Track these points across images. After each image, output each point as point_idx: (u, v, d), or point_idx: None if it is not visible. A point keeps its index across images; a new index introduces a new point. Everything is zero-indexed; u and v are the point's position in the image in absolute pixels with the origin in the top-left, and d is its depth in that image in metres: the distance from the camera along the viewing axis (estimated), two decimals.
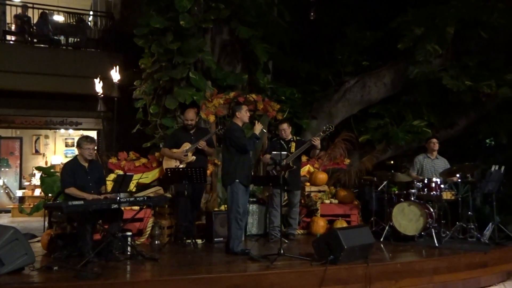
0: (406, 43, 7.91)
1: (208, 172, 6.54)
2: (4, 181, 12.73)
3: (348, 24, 9.24)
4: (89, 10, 12.84)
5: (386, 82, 8.70)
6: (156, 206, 5.94)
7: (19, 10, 10.95)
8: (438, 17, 7.82)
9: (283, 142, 6.04)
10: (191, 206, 5.99)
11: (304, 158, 6.85)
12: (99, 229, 5.27)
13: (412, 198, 6.01)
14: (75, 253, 4.87)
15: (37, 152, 13.60)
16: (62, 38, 11.38)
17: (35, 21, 11.07)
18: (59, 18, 11.91)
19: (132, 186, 5.72)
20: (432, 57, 7.83)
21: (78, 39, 11.20)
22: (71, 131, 13.41)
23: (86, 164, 5.05)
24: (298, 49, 9.60)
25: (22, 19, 10.81)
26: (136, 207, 5.43)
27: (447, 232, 5.96)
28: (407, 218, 5.90)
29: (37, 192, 11.51)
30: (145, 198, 5.22)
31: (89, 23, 12.27)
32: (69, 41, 11.27)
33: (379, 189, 6.51)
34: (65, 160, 10.99)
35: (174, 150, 6.16)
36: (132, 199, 5.03)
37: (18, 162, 13.13)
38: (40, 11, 11.05)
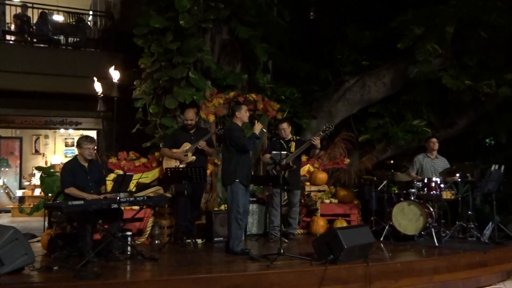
0: (406, 43, 7.91)
1: (208, 172, 6.55)
2: (4, 181, 12.73)
3: (347, 23, 9.23)
4: (89, 10, 12.82)
5: (386, 81, 8.70)
6: (156, 206, 5.95)
7: (19, 10, 10.93)
8: (438, 17, 7.82)
9: (283, 142, 6.04)
10: (191, 206, 5.99)
11: (304, 158, 6.85)
12: (99, 229, 5.27)
13: (412, 198, 6.01)
14: (75, 253, 4.87)
15: (37, 152, 13.60)
16: (61, 38, 11.36)
17: (34, 21, 11.05)
18: (58, 18, 11.89)
19: (132, 186, 5.71)
20: (432, 56, 7.83)
21: (78, 39, 11.18)
22: (71, 131, 13.41)
23: (86, 164, 5.05)
24: (297, 48, 9.60)
25: (21, 19, 10.80)
26: (136, 207, 5.44)
27: (447, 232, 5.97)
28: (407, 218, 5.90)
29: (37, 192, 11.53)
30: (145, 198, 5.22)
31: (88, 23, 12.26)
32: (69, 41, 11.25)
33: (379, 188, 6.51)
34: (65, 160, 10.99)
35: (174, 150, 6.16)
36: (132, 199, 5.03)
37: (18, 162, 13.13)
38: (40, 11, 11.04)
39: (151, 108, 7.34)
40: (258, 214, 6.56)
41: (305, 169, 7.23)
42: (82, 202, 4.59)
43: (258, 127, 5.30)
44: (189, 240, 5.78)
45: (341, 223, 6.59)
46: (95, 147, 5.48)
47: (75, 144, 5.55)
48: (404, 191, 6.24)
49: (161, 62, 7.26)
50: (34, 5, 10.98)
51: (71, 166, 5.03)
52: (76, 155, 5.14)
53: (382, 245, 5.71)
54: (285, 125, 6.24)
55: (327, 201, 6.92)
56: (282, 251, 4.73)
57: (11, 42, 11.05)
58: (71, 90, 10.11)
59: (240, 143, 5.11)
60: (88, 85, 8.13)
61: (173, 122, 7.22)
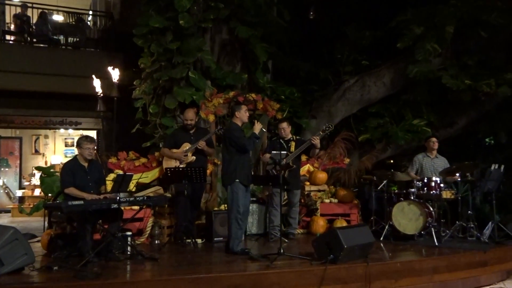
0: (406, 42, 7.91)
1: (208, 171, 6.55)
2: (4, 181, 12.73)
3: (347, 23, 9.24)
4: (89, 10, 12.83)
5: (386, 81, 8.70)
6: (156, 206, 5.95)
7: (19, 10, 10.93)
8: (438, 16, 7.82)
9: (282, 142, 6.03)
10: (191, 206, 5.99)
11: (303, 158, 6.85)
12: (99, 229, 5.27)
13: (412, 197, 6.01)
14: (75, 253, 4.87)
15: (36, 152, 13.60)
16: (61, 37, 11.37)
17: (34, 20, 11.05)
18: (58, 17, 11.89)
19: (132, 186, 5.72)
20: (431, 56, 7.83)
21: (78, 39, 11.18)
22: (70, 131, 13.41)
23: (85, 164, 5.04)
24: (297, 48, 9.60)
25: (21, 19, 10.80)
26: (136, 207, 5.44)
27: (447, 231, 5.97)
28: (406, 217, 5.90)
29: (37, 192, 11.52)
30: (145, 197, 5.22)
31: (88, 22, 12.26)
32: (69, 41, 11.26)
33: (378, 188, 6.50)
34: (65, 160, 10.99)
35: (174, 150, 6.16)
36: (131, 198, 5.03)
37: (18, 162, 13.13)
38: (40, 10, 11.04)
39: (151, 108, 7.34)
40: (258, 214, 6.56)
41: (305, 168, 7.23)
42: (82, 202, 4.59)
43: (258, 127, 5.30)
44: (189, 240, 5.77)
45: (341, 223, 6.59)
46: (95, 147, 5.47)
47: (75, 144, 5.55)
48: (404, 191, 6.24)
49: (161, 62, 7.26)
50: (34, 5, 10.98)
51: (71, 166, 5.02)
52: (76, 155, 5.14)
53: (382, 244, 5.71)
54: (285, 125, 6.24)
55: (327, 200, 6.92)
56: (282, 251, 4.73)
57: (11, 42, 11.05)
58: (71, 90, 10.12)
59: (240, 143, 5.11)
60: (88, 85, 8.15)
61: (173, 122, 7.22)
